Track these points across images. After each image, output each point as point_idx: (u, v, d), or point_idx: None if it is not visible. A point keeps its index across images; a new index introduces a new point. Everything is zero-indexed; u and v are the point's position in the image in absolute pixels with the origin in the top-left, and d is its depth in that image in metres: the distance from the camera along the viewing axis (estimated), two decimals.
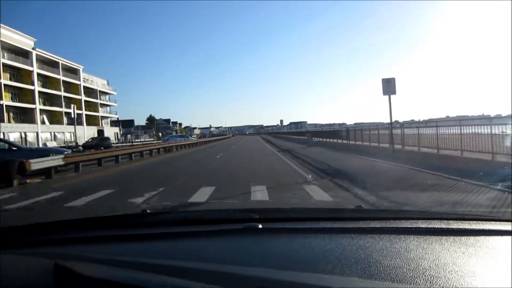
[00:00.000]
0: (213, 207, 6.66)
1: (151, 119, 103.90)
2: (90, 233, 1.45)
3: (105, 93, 75.14)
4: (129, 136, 78.77)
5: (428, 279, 0.95)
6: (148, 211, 1.81)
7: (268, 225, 1.46)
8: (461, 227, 1.41)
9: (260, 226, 1.42)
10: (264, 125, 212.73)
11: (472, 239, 1.27)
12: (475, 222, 1.48)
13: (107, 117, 76.31)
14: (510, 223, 1.43)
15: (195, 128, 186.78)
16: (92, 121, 66.49)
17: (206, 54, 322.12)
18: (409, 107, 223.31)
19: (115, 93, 78.57)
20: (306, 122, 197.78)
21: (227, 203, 6.91)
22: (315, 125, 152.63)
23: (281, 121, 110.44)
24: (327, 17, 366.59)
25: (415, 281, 0.94)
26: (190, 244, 1.34)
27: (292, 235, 1.39)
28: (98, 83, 70.74)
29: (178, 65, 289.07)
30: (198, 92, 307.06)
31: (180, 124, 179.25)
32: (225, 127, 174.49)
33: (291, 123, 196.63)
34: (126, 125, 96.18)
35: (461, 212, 3.66)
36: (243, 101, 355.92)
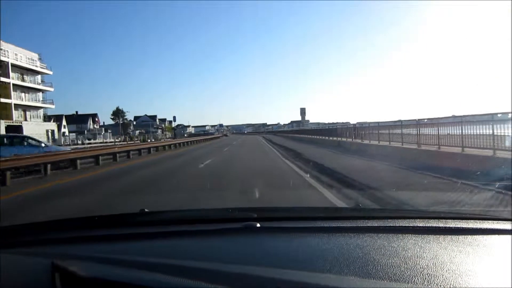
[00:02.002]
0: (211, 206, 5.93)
1: (117, 113, 75.28)
2: (89, 232, 1.43)
3: (34, 72, 48.11)
4: (72, 136, 52.36)
5: (425, 278, 0.95)
6: (146, 210, 1.75)
7: (266, 224, 1.45)
8: (458, 226, 1.40)
9: (258, 225, 1.40)
10: (263, 123, 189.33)
11: (469, 238, 1.26)
12: (472, 221, 1.47)
13: (37, 108, 49.46)
14: (507, 222, 1.42)
15: (188, 126, 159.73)
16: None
17: (205, 52, 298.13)
18: (415, 106, 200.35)
19: (50, 72, 50.73)
20: (308, 121, 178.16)
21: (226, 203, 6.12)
22: (318, 124, 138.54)
23: (303, 110, 76.63)
24: (328, 15, 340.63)
25: (413, 280, 0.94)
26: (189, 243, 1.34)
27: (290, 234, 1.38)
28: (19, 56, 44.38)
29: (175, 62, 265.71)
30: (194, 90, 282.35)
31: (170, 121, 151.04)
32: (218, 125, 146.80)
33: (292, 122, 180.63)
34: (78, 120, 69.46)
35: (458, 211, 3.71)
36: (241, 99, 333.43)
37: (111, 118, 77.24)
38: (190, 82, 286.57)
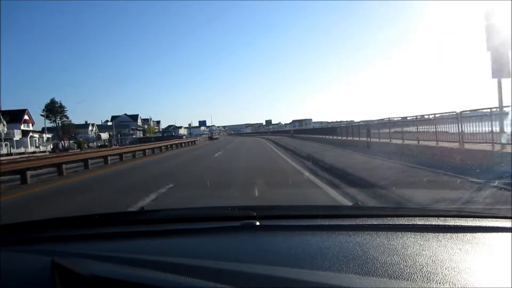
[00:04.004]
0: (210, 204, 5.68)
1: (51, 107, 51.84)
2: (89, 230, 1.44)
3: None
4: None
5: (425, 276, 0.94)
6: (145, 208, 1.73)
7: (266, 222, 1.43)
8: (457, 223, 1.39)
9: (258, 223, 1.39)
10: (268, 120, 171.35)
11: (469, 235, 1.26)
12: (471, 219, 1.46)
13: None
14: (507, 220, 1.42)
15: (180, 127, 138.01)
16: None
17: (202, 51, 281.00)
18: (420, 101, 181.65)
19: None
20: (311, 119, 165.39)
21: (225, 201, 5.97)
22: (321, 122, 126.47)
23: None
24: (328, 13, 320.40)
25: (412, 278, 0.93)
26: (188, 241, 1.33)
27: (290, 233, 1.38)
28: None
29: (171, 61, 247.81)
30: (191, 90, 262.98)
31: (158, 122, 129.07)
32: (199, 123, 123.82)
33: (294, 121, 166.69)
34: None
35: (457, 209, 3.69)
36: (239, 99, 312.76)
37: (41, 115, 51.95)
38: (187, 82, 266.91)
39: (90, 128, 71.43)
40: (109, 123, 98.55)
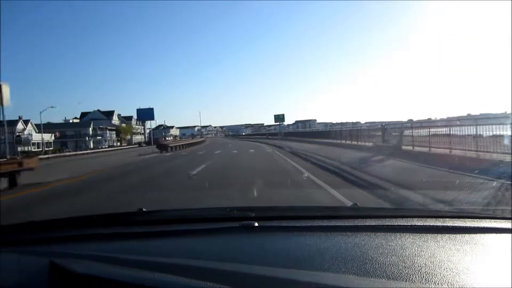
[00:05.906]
0: (210, 205, 5.99)
1: None
2: (87, 231, 1.43)
3: None
4: None
5: (423, 276, 0.94)
6: (144, 209, 1.74)
7: (265, 223, 1.43)
8: (456, 224, 1.38)
9: (256, 224, 1.39)
10: (265, 124, 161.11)
11: (467, 236, 1.25)
12: (469, 220, 1.45)
13: None
14: (506, 220, 1.41)
15: (172, 127, 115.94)
16: None
17: (201, 48, 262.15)
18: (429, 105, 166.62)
19: None
20: (315, 120, 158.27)
21: (225, 202, 6.20)
22: (325, 124, 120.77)
23: None
24: (330, 13, 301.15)
25: (411, 278, 0.93)
26: (187, 242, 1.33)
27: (288, 233, 1.37)
28: None
29: (169, 59, 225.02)
30: (189, 89, 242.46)
31: (143, 120, 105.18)
32: (212, 126, 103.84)
33: (297, 122, 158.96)
34: None
35: (456, 210, 3.61)
36: (239, 99, 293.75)
37: None
38: (185, 83, 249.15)
39: (21, 126, 50.46)
40: (74, 120, 76.29)
